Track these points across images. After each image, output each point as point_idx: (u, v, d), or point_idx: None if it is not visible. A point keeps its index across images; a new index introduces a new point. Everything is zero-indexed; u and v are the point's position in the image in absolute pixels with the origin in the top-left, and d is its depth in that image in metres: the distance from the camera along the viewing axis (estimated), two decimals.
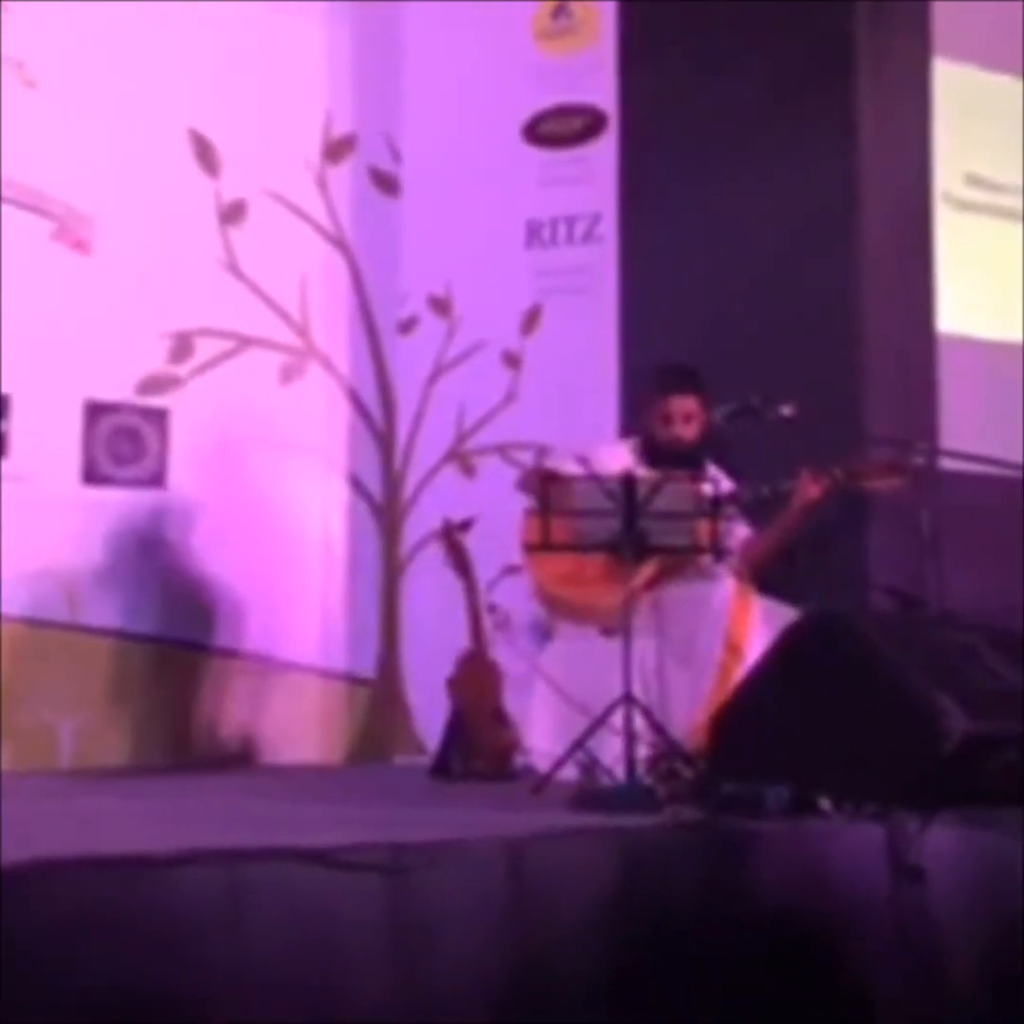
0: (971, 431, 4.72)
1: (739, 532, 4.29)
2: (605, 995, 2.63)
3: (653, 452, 4.24)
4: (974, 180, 5.08)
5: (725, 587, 4.10)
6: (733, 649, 3.98)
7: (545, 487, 3.93)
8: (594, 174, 5.18)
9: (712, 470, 4.22)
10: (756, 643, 3.87)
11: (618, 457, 4.19)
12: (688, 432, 4.24)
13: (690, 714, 3.95)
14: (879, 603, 4.35)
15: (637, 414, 4.45)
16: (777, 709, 3.40)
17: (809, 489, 4.12)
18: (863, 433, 4.53)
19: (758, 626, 3.97)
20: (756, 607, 4.06)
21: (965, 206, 5.05)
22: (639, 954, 2.67)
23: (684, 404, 4.23)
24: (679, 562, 4.13)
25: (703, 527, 3.88)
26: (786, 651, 3.53)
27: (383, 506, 5.42)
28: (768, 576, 4.26)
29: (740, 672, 3.80)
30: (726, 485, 4.21)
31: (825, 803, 3.16)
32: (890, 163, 4.86)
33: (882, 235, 4.81)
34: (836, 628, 3.52)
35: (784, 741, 3.33)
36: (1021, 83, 5.13)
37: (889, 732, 3.26)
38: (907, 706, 3.28)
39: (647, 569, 4.05)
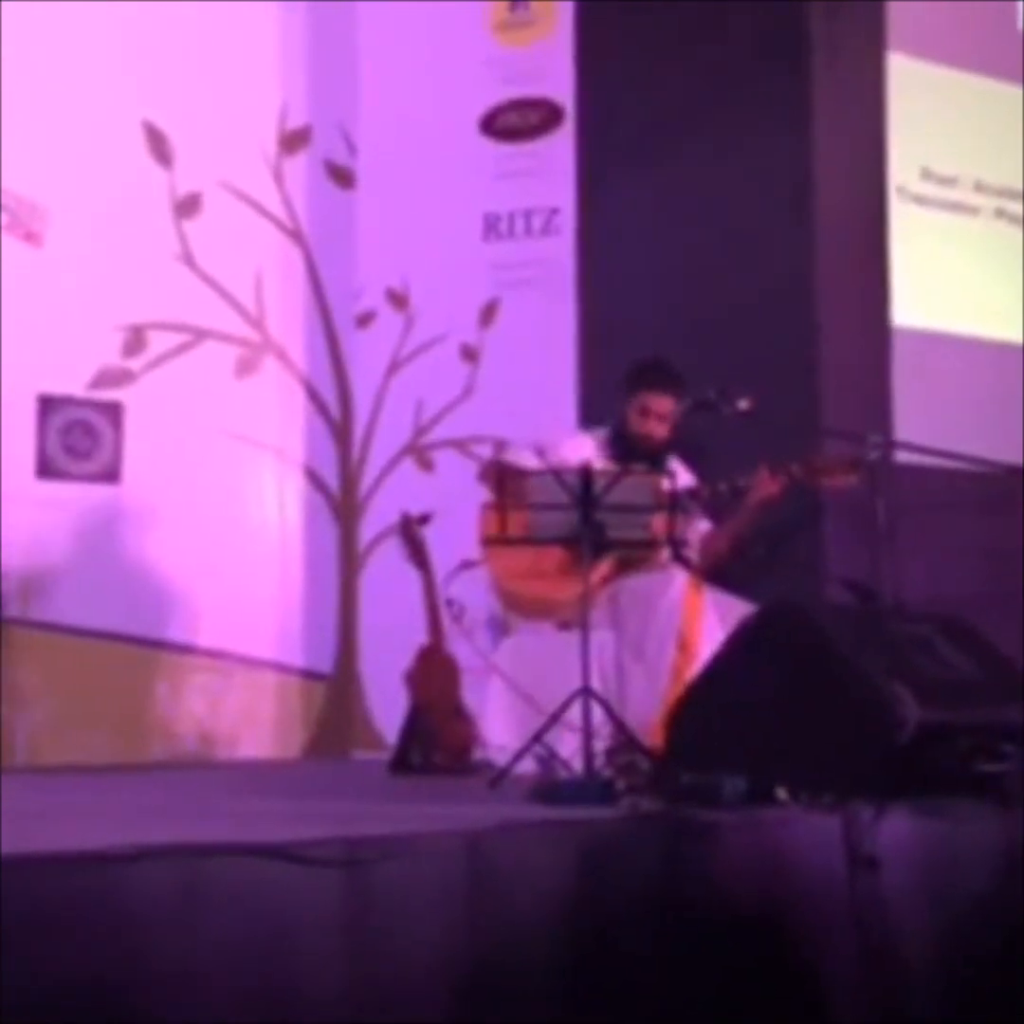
0: (925, 424, 4.75)
1: (700, 527, 4.30)
2: (565, 986, 2.64)
3: (621, 444, 4.23)
4: (928, 174, 5.12)
5: (678, 582, 4.10)
6: (685, 649, 3.98)
7: (502, 480, 3.93)
8: (551, 167, 5.19)
9: (675, 464, 4.23)
10: (708, 643, 3.87)
11: (581, 449, 4.17)
12: (660, 431, 4.22)
13: (645, 710, 3.96)
14: (834, 595, 4.38)
15: (612, 401, 4.39)
16: (734, 700, 3.42)
17: (767, 486, 4.12)
18: (818, 426, 4.55)
19: (711, 625, 3.97)
20: (709, 604, 4.07)
21: (920, 200, 5.09)
22: (599, 945, 2.68)
23: (663, 403, 4.20)
24: (637, 556, 4.13)
25: (659, 521, 3.88)
26: (743, 642, 3.55)
27: (340, 500, 5.40)
28: (724, 569, 4.27)
29: (692, 673, 3.81)
30: (687, 479, 4.22)
31: (782, 793, 3.18)
32: (845, 157, 4.89)
33: (837, 229, 4.84)
34: (792, 619, 3.53)
35: (741, 732, 3.34)
36: (975, 78, 5.17)
37: (844, 722, 3.28)
38: (862, 696, 3.30)
39: (604, 565, 4.05)
